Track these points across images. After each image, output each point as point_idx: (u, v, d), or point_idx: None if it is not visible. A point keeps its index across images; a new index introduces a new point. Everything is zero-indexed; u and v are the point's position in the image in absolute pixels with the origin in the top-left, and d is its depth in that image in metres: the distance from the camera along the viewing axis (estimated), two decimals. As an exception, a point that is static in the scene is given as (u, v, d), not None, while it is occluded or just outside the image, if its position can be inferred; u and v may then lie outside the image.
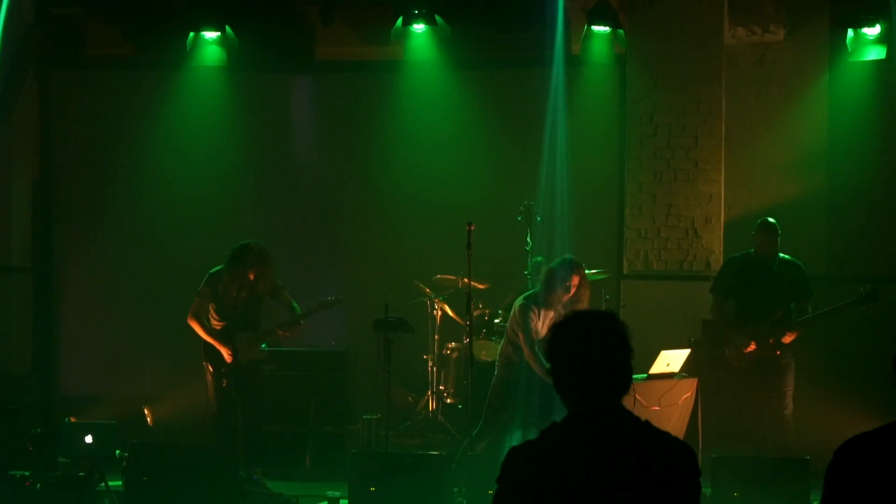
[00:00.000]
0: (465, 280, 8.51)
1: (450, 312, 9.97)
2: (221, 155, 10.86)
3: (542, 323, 7.99)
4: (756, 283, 8.63)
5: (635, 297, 9.87)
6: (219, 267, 8.57)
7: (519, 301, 8.12)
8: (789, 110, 10.19)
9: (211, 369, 8.58)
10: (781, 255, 8.68)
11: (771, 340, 8.51)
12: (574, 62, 10.20)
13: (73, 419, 9.05)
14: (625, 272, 10.15)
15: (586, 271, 8.87)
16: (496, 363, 8.38)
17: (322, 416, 9.44)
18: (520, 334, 7.98)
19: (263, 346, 8.82)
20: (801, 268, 8.68)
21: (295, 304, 8.72)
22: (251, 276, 8.42)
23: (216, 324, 8.59)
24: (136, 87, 11.02)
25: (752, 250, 8.74)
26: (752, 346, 8.53)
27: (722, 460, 7.63)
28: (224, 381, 8.50)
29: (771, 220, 8.68)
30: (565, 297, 7.92)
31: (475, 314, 9.07)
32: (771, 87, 10.25)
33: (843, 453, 2.81)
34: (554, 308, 7.95)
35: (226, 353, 8.47)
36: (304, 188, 11.06)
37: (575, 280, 7.92)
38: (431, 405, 9.86)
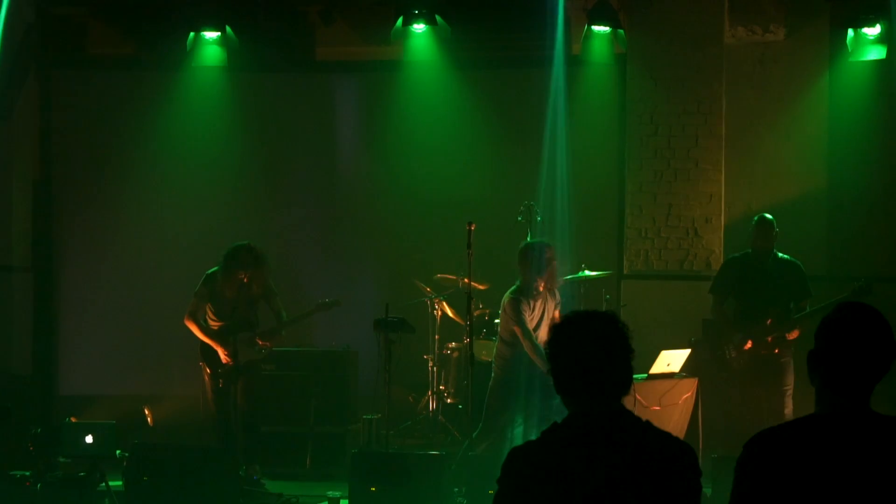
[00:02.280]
0: (466, 280, 8.50)
1: (450, 312, 9.97)
2: (221, 155, 10.86)
3: (533, 311, 8.03)
4: (754, 282, 8.63)
5: (636, 297, 9.88)
6: (216, 268, 8.58)
7: (506, 298, 8.13)
8: (790, 110, 10.19)
9: (208, 370, 8.58)
10: (781, 254, 8.68)
11: (769, 339, 8.50)
12: (574, 62, 10.20)
13: (73, 419, 9.05)
14: (625, 272, 10.16)
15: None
16: (493, 364, 8.38)
17: (322, 416, 9.44)
18: (516, 329, 7.99)
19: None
20: (800, 267, 8.68)
21: (283, 314, 8.71)
22: (244, 278, 8.40)
23: (213, 324, 8.60)
24: (136, 87, 11.02)
25: (750, 250, 8.76)
26: (749, 345, 8.53)
27: (722, 460, 7.62)
28: (220, 381, 8.50)
29: (767, 215, 8.70)
30: (545, 280, 7.98)
31: (475, 314, 9.07)
32: (771, 87, 10.25)
33: (752, 447, 2.86)
34: (539, 292, 8.01)
35: (222, 354, 8.48)
36: (304, 188, 11.06)
37: (548, 253, 7.99)
38: (432, 405, 9.85)
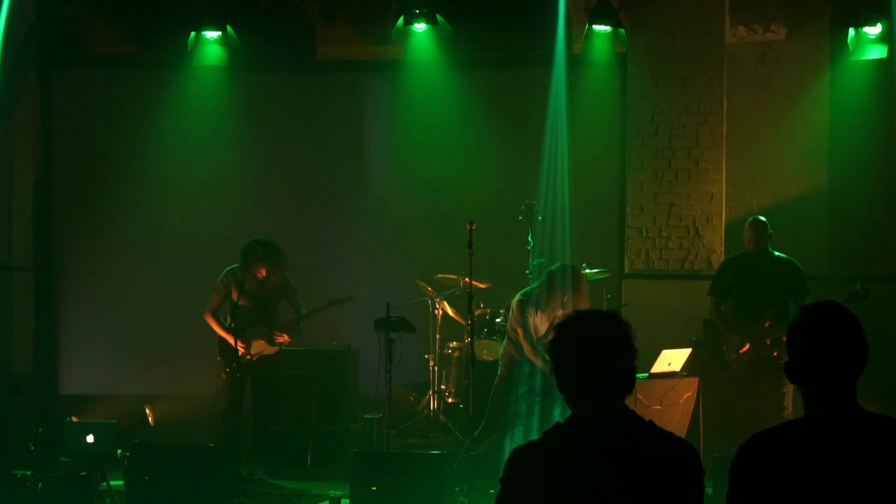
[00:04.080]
0: (467, 279, 8.51)
1: (451, 312, 9.96)
2: (221, 154, 10.85)
3: (539, 318, 8.02)
4: (751, 282, 8.63)
5: (637, 297, 9.88)
6: (236, 265, 8.62)
7: (517, 298, 8.14)
8: (790, 109, 10.19)
9: (225, 367, 8.60)
10: (777, 253, 8.68)
11: (767, 341, 8.50)
12: (575, 61, 10.20)
13: (74, 419, 9.05)
14: (626, 271, 10.16)
15: (588, 271, 8.88)
16: (499, 363, 8.38)
17: (323, 416, 9.45)
18: (518, 330, 8.00)
19: (277, 342, 8.83)
20: (797, 265, 8.68)
21: (303, 310, 8.75)
22: (262, 271, 8.46)
23: (231, 320, 8.61)
24: (137, 87, 11.02)
25: (745, 250, 8.77)
26: (747, 347, 8.53)
27: (723, 459, 7.61)
28: (237, 375, 8.53)
29: (760, 217, 8.70)
30: (563, 303, 7.95)
31: (476, 313, 9.07)
32: (772, 86, 10.25)
33: (746, 450, 2.86)
34: (550, 309, 7.99)
35: (240, 348, 8.50)
36: (305, 187, 11.05)
37: (575, 289, 7.93)
38: (433, 404, 9.85)
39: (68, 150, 11.11)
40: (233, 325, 8.45)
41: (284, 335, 8.73)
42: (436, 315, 9.98)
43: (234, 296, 8.52)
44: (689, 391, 8.53)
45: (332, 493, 8.09)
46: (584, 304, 8.02)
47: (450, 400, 9.88)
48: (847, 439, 2.80)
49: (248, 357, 8.58)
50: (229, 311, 8.61)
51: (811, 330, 2.90)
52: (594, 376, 2.94)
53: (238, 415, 8.54)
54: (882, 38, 9.66)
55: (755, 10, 10.11)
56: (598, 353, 2.95)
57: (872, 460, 2.76)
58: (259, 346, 8.61)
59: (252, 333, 8.58)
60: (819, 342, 2.88)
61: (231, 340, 8.50)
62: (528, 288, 8.21)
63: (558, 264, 8.12)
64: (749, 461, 2.84)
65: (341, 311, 9.25)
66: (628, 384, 2.98)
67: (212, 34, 10.37)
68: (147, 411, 10.33)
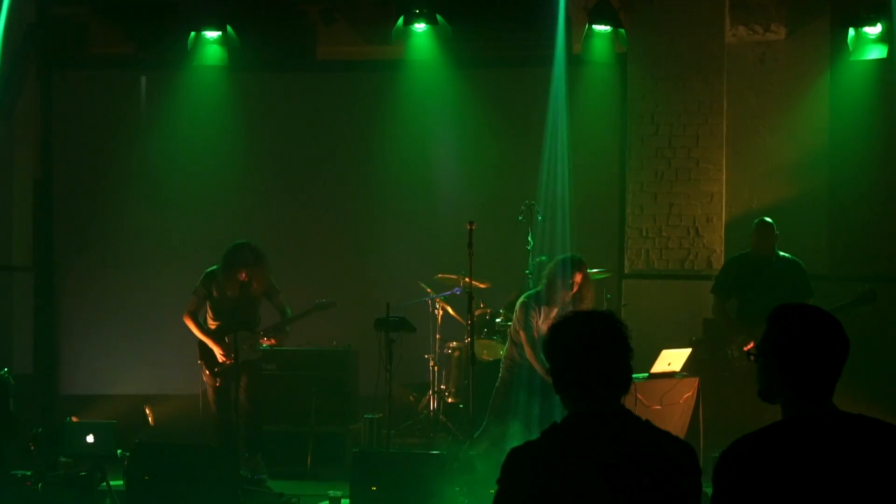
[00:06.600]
0: (467, 279, 8.51)
1: (451, 312, 9.96)
2: (221, 154, 10.85)
3: (544, 321, 7.99)
4: (755, 282, 8.64)
5: (637, 297, 9.88)
6: (214, 266, 8.59)
7: (521, 300, 8.12)
8: (790, 109, 10.19)
9: (206, 370, 8.59)
10: (782, 253, 8.69)
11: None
12: (575, 61, 10.20)
13: (74, 419, 9.05)
14: (626, 271, 10.16)
15: (588, 270, 8.87)
16: (501, 365, 8.36)
17: (323, 416, 9.44)
18: (521, 333, 7.98)
19: (264, 346, 8.83)
20: (802, 266, 8.69)
21: (288, 310, 8.72)
22: (244, 276, 8.41)
23: (213, 323, 8.60)
24: (137, 87, 11.03)
25: (751, 250, 8.76)
26: (752, 345, 8.53)
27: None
28: (218, 380, 8.51)
29: (767, 219, 8.70)
30: (568, 296, 7.91)
31: (476, 313, 9.06)
32: (772, 86, 10.26)
33: (728, 456, 2.86)
34: (556, 306, 7.95)
35: (219, 353, 8.48)
36: (305, 187, 11.05)
37: (577, 278, 7.90)
38: (432, 404, 9.85)
39: (68, 150, 11.12)
40: (231, 327, 8.42)
41: (272, 340, 8.71)
42: (436, 315, 9.98)
43: (228, 294, 8.49)
44: (689, 391, 8.53)
45: (331, 493, 8.09)
46: (590, 295, 7.99)
47: (450, 400, 9.88)
48: (827, 441, 2.80)
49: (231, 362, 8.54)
50: (212, 314, 8.60)
51: (792, 334, 2.88)
52: (589, 376, 2.94)
53: (231, 414, 8.50)
54: (882, 38, 9.67)
55: (755, 10, 10.11)
56: (592, 353, 2.95)
57: (853, 462, 2.77)
58: (244, 351, 8.57)
59: (237, 338, 8.52)
60: (803, 345, 2.86)
61: (209, 343, 8.49)
62: (532, 291, 8.19)
63: (560, 257, 8.10)
64: (731, 467, 2.84)
65: (341, 312, 9.24)
66: (624, 384, 2.98)
67: (212, 34, 10.37)
68: (147, 411, 10.33)
